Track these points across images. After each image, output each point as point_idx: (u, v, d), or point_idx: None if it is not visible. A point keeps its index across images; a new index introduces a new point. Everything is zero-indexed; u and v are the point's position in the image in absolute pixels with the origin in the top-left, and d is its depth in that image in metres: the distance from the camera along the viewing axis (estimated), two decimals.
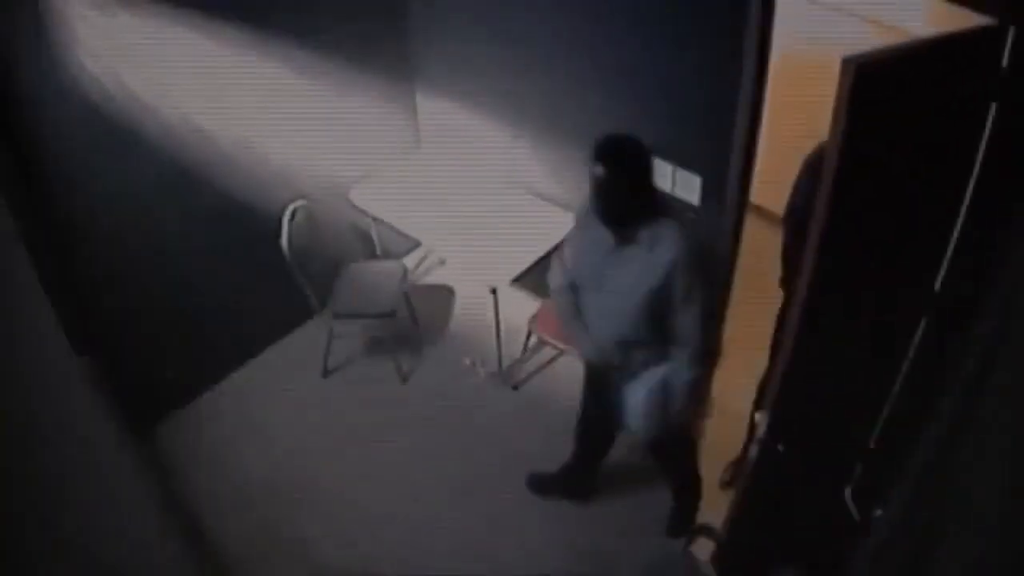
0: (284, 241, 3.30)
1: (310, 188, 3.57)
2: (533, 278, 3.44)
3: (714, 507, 2.91)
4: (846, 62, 1.51)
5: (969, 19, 1.71)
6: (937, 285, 2.06)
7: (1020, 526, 1.19)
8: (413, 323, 3.97)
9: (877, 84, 1.53)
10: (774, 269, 2.70)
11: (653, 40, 2.85)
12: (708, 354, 2.39)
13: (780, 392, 2.00)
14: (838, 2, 3.39)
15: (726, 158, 2.76)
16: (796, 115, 2.84)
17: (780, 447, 2.07)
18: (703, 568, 2.85)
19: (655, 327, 2.33)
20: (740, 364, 2.84)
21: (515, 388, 3.71)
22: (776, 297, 2.63)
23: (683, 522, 3.04)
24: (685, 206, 3.01)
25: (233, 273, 3.53)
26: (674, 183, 3.02)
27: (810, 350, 1.92)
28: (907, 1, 3.01)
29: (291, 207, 3.37)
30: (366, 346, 3.91)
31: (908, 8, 3.01)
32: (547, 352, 3.80)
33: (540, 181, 3.73)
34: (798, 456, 2.11)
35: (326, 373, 3.79)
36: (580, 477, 3.16)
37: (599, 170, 2.14)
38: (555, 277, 2.57)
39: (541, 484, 3.25)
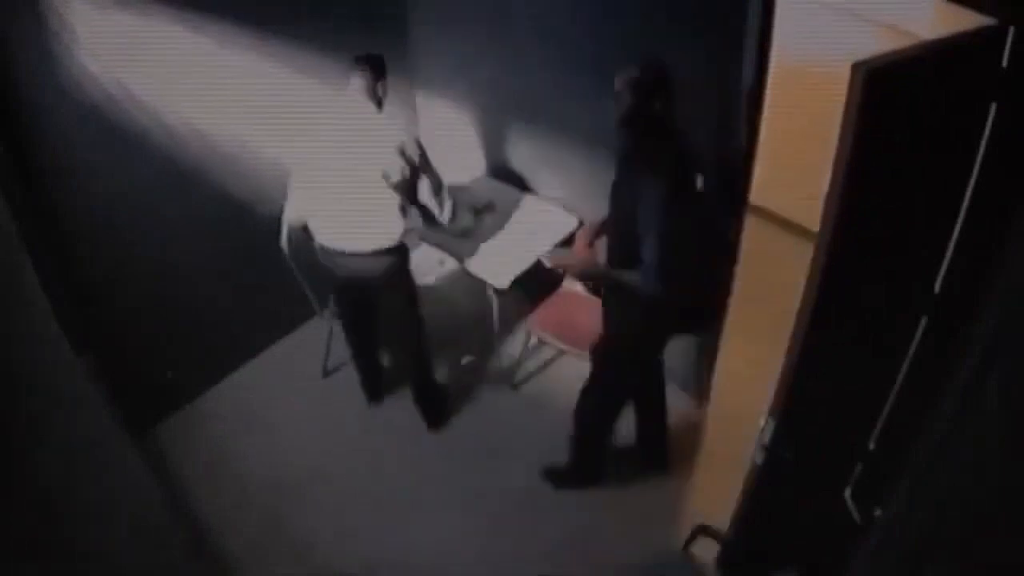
0: (284, 241, 3.30)
1: None
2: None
3: (714, 508, 2.91)
4: (856, 67, 1.49)
5: (972, 19, 1.71)
6: (937, 285, 2.06)
7: (1020, 526, 1.19)
8: None
9: (885, 88, 1.52)
10: (774, 268, 2.69)
11: (654, 40, 2.85)
12: None
13: (785, 400, 2.00)
14: (839, 1, 3.39)
15: None
16: (796, 116, 2.84)
17: (786, 453, 2.07)
18: (703, 568, 2.86)
19: None
20: (740, 365, 2.84)
21: (515, 388, 3.71)
22: (779, 294, 2.62)
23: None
24: None
25: (233, 273, 3.53)
26: None
27: (815, 357, 1.92)
28: (910, 1, 3.01)
29: None
30: None
31: (911, 8, 3.00)
32: (547, 352, 3.80)
33: (541, 181, 3.73)
34: (801, 460, 2.11)
35: (326, 373, 3.79)
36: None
37: None
38: None
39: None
